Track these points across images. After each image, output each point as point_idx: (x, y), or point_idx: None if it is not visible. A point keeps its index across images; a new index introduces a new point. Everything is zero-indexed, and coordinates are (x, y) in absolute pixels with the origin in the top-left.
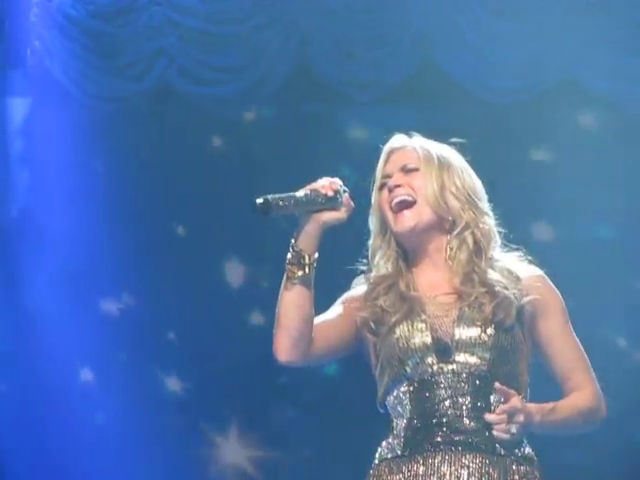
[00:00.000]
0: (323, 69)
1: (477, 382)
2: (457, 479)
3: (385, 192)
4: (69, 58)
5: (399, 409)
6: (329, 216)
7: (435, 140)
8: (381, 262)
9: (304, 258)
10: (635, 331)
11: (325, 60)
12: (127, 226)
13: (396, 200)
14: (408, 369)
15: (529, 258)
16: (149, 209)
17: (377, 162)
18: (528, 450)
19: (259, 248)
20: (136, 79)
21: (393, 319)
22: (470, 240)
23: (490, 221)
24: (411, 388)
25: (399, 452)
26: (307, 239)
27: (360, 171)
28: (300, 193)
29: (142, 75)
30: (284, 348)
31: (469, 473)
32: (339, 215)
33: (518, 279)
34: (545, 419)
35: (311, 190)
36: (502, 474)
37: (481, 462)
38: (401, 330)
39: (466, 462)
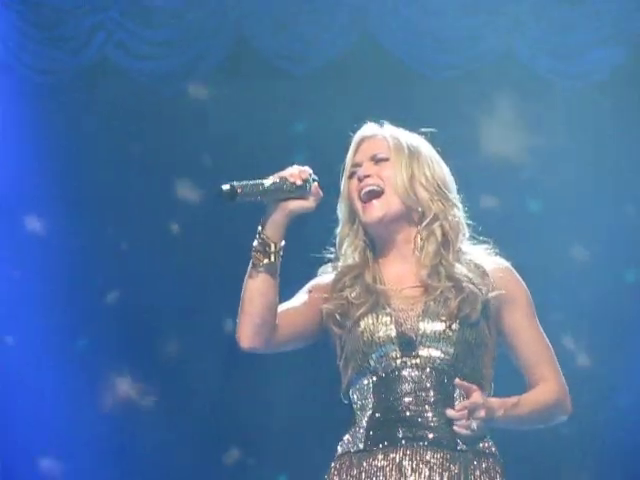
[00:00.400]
0: (261, 43)
1: (440, 377)
2: (418, 475)
3: (355, 181)
4: (7, 28)
5: (362, 402)
6: (297, 205)
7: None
8: (348, 251)
9: (270, 246)
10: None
11: (263, 34)
12: (61, 202)
13: (365, 190)
14: (372, 362)
15: (496, 251)
16: (85, 183)
17: (322, 143)
18: (489, 445)
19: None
20: (74, 52)
21: (358, 312)
22: (438, 232)
23: (459, 213)
24: (374, 381)
25: (361, 446)
26: (274, 227)
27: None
28: (268, 181)
29: (80, 48)
30: (247, 335)
31: (430, 469)
32: (307, 204)
33: (485, 273)
34: (508, 413)
35: (280, 178)
36: (463, 469)
37: (442, 457)
38: (366, 323)
39: (427, 458)
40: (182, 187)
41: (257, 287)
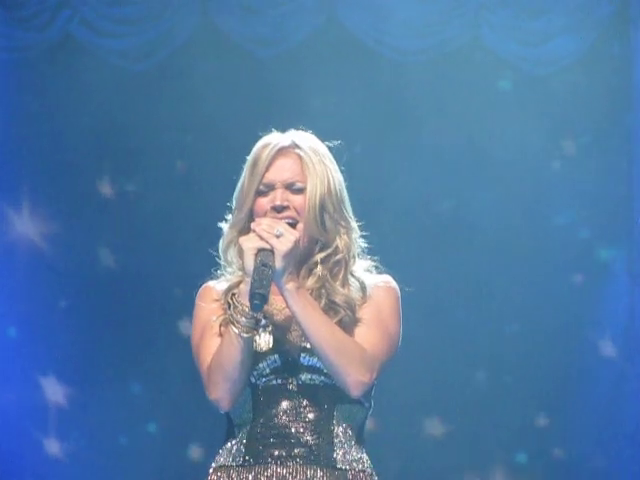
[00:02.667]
0: (226, 25)
1: (319, 395)
2: None
3: (266, 201)
4: None
5: (242, 415)
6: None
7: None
8: (234, 260)
9: (260, 321)
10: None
11: (229, 16)
12: (26, 175)
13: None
14: (252, 378)
15: (379, 267)
16: (49, 158)
17: (288, 124)
18: (367, 465)
19: None
20: (39, 29)
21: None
22: (332, 262)
23: (359, 242)
24: (253, 397)
25: (240, 460)
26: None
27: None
28: (262, 265)
29: (45, 26)
30: (230, 399)
31: None
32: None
33: (364, 289)
34: (301, 291)
35: (260, 254)
36: None
37: (322, 476)
38: None
39: (308, 475)
40: (148, 161)
41: (242, 357)
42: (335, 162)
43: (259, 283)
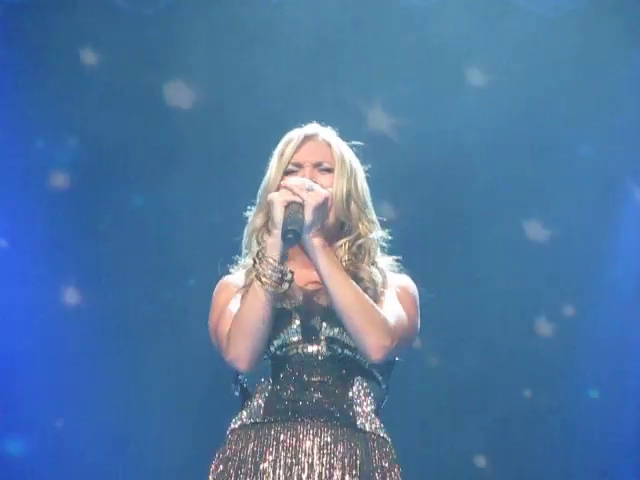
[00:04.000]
0: None
1: (339, 367)
2: (319, 449)
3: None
4: None
5: (261, 385)
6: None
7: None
8: (257, 245)
9: (287, 275)
10: None
11: None
12: None
13: None
14: (272, 348)
15: (400, 266)
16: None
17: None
18: (385, 433)
19: None
20: None
21: None
22: (355, 248)
23: (380, 233)
24: (274, 366)
25: (258, 419)
26: (282, 255)
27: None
28: (293, 211)
29: None
30: (249, 359)
31: (331, 441)
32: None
33: (385, 278)
34: (327, 251)
35: (289, 203)
36: (364, 447)
37: (342, 434)
38: None
39: (328, 433)
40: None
41: (265, 313)
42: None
43: (292, 221)
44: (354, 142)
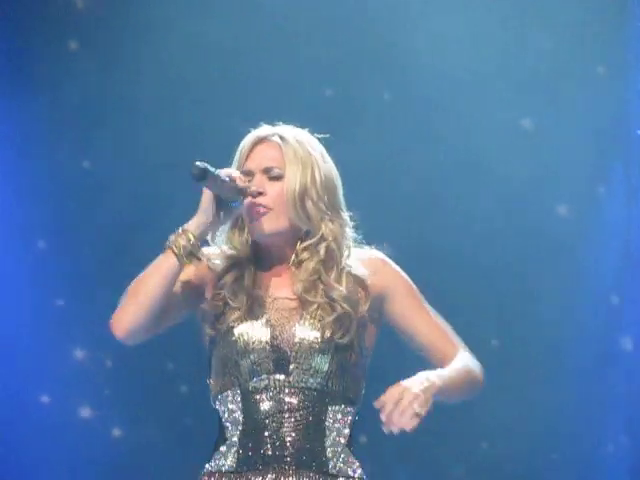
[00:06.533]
0: None
1: (311, 397)
2: None
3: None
4: None
5: (231, 415)
6: (229, 215)
7: None
8: (232, 240)
9: (197, 251)
10: None
11: None
12: None
13: (256, 209)
14: (242, 374)
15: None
16: None
17: None
18: (359, 473)
19: None
20: None
21: (233, 316)
22: (323, 251)
23: (348, 231)
24: (243, 395)
25: (232, 466)
26: (204, 234)
27: None
28: (225, 178)
29: None
30: (129, 326)
31: None
32: (238, 212)
33: (364, 283)
34: (440, 375)
35: (230, 177)
36: None
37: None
38: (240, 331)
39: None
40: None
41: (167, 282)
42: (327, 155)
43: (219, 174)
44: (320, 135)
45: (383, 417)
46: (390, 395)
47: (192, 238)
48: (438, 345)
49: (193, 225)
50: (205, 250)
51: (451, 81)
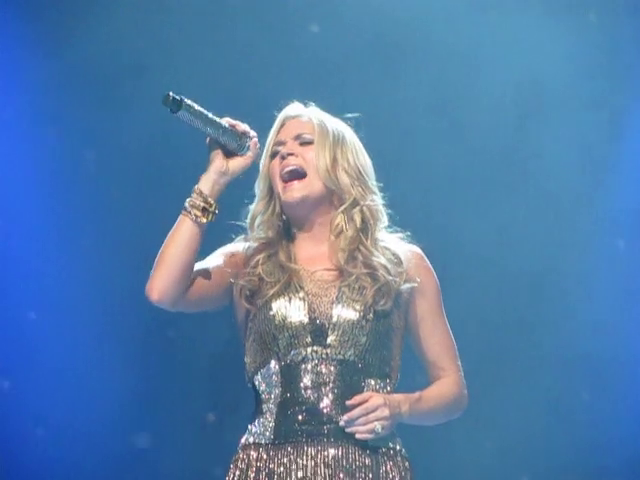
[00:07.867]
0: None
1: (348, 369)
2: (327, 468)
3: (277, 159)
4: None
5: (269, 390)
6: (237, 164)
7: None
8: (261, 227)
9: (211, 205)
10: None
11: None
12: None
13: (287, 169)
14: (281, 348)
15: (408, 234)
16: None
17: None
18: (399, 444)
19: None
20: None
21: (270, 292)
22: (358, 218)
23: (378, 200)
24: (281, 369)
25: (270, 438)
26: (214, 187)
27: None
28: (215, 117)
29: None
30: (160, 288)
31: (340, 462)
32: (245, 162)
33: (400, 262)
34: (413, 408)
35: (225, 121)
36: (374, 466)
37: (353, 453)
38: (278, 305)
39: (339, 453)
40: None
41: (186, 243)
42: (357, 140)
43: (200, 107)
44: (350, 114)
45: (348, 415)
46: (370, 403)
47: (202, 193)
48: (439, 362)
49: (203, 181)
50: (240, 242)
51: None
